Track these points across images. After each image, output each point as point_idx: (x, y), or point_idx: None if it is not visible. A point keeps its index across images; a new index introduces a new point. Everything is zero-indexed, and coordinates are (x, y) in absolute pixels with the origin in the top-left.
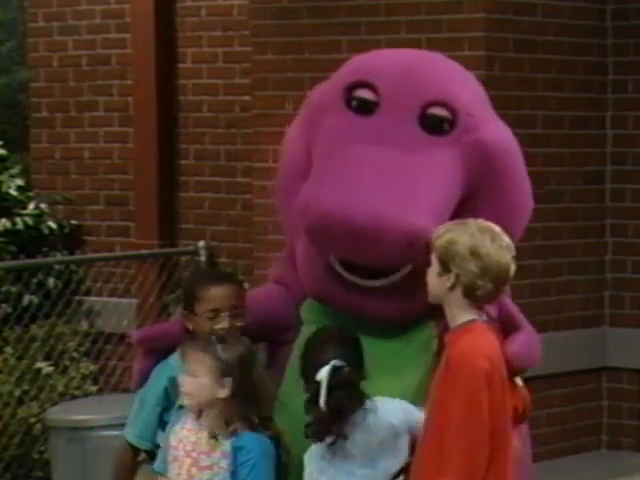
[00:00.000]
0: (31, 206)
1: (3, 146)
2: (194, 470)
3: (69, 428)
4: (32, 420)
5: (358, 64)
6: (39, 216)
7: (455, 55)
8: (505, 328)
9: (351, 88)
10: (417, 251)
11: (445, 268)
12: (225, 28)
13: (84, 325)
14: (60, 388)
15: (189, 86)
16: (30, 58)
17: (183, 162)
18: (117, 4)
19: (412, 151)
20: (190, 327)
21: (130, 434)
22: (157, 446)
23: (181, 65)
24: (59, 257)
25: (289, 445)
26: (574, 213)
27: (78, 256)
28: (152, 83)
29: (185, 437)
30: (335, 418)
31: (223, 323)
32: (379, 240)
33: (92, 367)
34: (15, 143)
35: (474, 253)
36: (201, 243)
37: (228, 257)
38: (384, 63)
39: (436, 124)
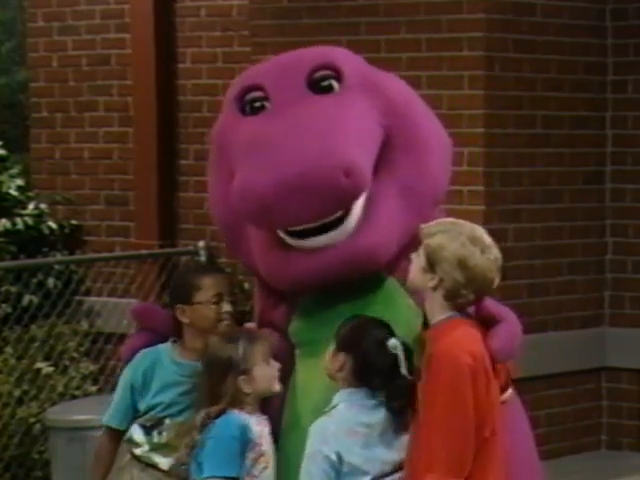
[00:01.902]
0: (31, 206)
1: (3, 146)
2: (273, 461)
3: (69, 428)
4: (32, 420)
5: (239, 78)
6: (39, 216)
7: (455, 55)
8: (484, 322)
9: (240, 97)
10: (357, 180)
11: (431, 268)
12: (225, 28)
13: (84, 325)
14: (60, 388)
15: (189, 86)
16: (30, 58)
17: (183, 162)
18: (117, 4)
19: (314, 109)
20: (186, 320)
21: (105, 415)
22: (128, 427)
23: (181, 65)
24: (59, 257)
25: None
26: (574, 213)
27: (78, 256)
28: (152, 83)
29: (261, 430)
30: (416, 385)
31: (227, 307)
32: (318, 183)
33: (92, 367)
34: (15, 143)
35: (462, 263)
36: (201, 243)
37: (228, 257)
38: (262, 66)
39: (325, 83)
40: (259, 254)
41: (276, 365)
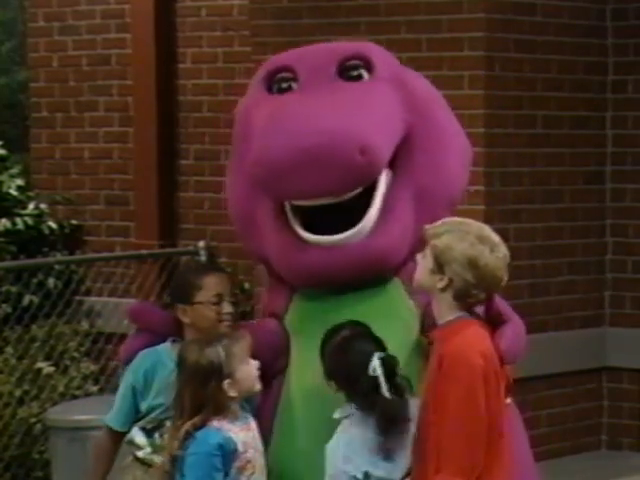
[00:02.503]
0: (31, 206)
1: (3, 146)
2: (261, 460)
3: (69, 428)
4: (32, 420)
5: (270, 60)
6: (39, 216)
7: (455, 55)
8: (491, 321)
9: (269, 77)
10: (372, 158)
11: (439, 269)
12: (225, 28)
13: (84, 325)
14: (61, 388)
15: (189, 86)
16: (30, 58)
17: (183, 162)
18: (117, 4)
19: (342, 91)
20: (187, 320)
21: (107, 415)
22: (129, 428)
23: (181, 65)
24: (59, 257)
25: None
26: (574, 213)
27: (78, 256)
28: (152, 83)
29: (244, 437)
30: (402, 402)
31: (228, 308)
32: (332, 156)
33: (93, 367)
34: (15, 143)
35: (472, 263)
36: (201, 243)
37: (228, 257)
38: (294, 50)
39: (354, 72)
40: (274, 245)
41: (254, 363)
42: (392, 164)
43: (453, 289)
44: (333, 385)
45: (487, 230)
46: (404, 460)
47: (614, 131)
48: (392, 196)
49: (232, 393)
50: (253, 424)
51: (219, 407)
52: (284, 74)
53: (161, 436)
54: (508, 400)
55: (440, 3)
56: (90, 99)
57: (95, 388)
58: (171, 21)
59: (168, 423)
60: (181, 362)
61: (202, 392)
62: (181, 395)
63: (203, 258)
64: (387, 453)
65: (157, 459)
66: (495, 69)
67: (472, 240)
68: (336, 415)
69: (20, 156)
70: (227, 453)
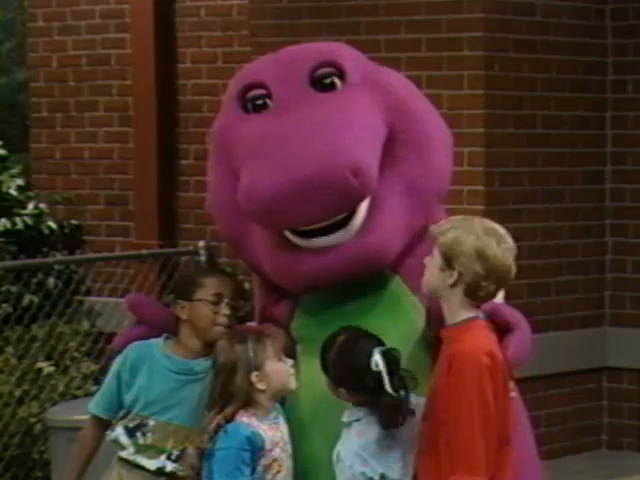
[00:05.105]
0: (31, 206)
1: (3, 146)
2: (289, 462)
3: (69, 428)
4: (32, 420)
5: (239, 76)
6: (39, 216)
7: (455, 55)
8: (498, 328)
9: (241, 95)
10: (365, 179)
11: (448, 265)
12: (225, 28)
13: (85, 325)
14: (61, 388)
15: (189, 86)
16: (30, 58)
17: (183, 162)
18: (117, 4)
19: (318, 108)
20: (185, 317)
21: (92, 402)
22: (112, 416)
23: (181, 65)
24: (59, 257)
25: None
26: (574, 213)
27: (78, 256)
28: (152, 83)
29: (272, 436)
30: (404, 399)
31: (225, 310)
32: (326, 185)
33: (93, 367)
34: (15, 143)
35: (480, 255)
36: (201, 243)
37: (228, 257)
38: (262, 62)
39: (327, 80)
40: (266, 254)
41: (289, 361)
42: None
43: (463, 283)
44: (342, 392)
45: (491, 223)
46: (413, 462)
47: (614, 131)
48: (379, 192)
49: (261, 386)
50: (283, 425)
51: (247, 399)
52: (257, 92)
53: (144, 435)
54: (513, 393)
55: (440, 3)
56: (90, 99)
57: (95, 388)
58: (171, 21)
59: (152, 422)
60: (214, 360)
61: (231, 384)
62: (211, 389)
63: (203, 258)
64: (396, 452)
65: (141, 460)
66: (495, 69)
67: (478, 233)
68: (344, 418)
69: (20, 156)
70: (255, 448)
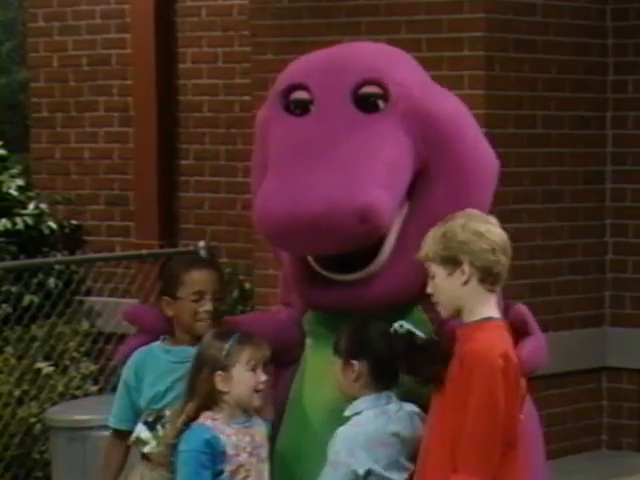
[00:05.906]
0: (31, 206)
1: (3, 146)
2: (260, 466)
3: (69, 428)
4: (32, 420)
5: (288, 71)
6: (39, 216)
7: (455, 55)
8: (515, 331)
9: (286, 94)
10: (373, 226)
11: (454, 263)
12: (225, 28)
13: (85, 325)
14: (60, 388)
15: (189, 86)
16: (30, 58)
17: (183, 162)
18: (117, 4)
19: (352, 131)
20: (170, 314)
21: (110, 416)
22: (130, 426)
23: (181, 65)
24: (59, 257)
25: (293, 461)
26: (574, 213)
27: (78, 256)
28: (152, 83)
29: (237, 441)
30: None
31: (207, 306)
32: (331, 226)
33: (92, 367)
34: (15, 143)
35: (477, 233)
36: (201, 243)
37: (228, 257)
38: (311, 61)
39: (370, 102)
40: (292, 275)
41: (262, 377)
42: (409, 194)
43: (476, 271)
44: (356, 365)
45: (466, 211)
46: (410, 465)
47: (614, 131)
48: (408, 227)
49: (222, 387)
50: (257, 430)
51: (208, 399)
52: (300, 94)
53: (163, 426)
54: (521, 416)
55: (440, 3)
56: (90, 99)
57: (95, 388)
58: (171, 21)
59: (167, 412)
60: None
61: (197, 379)
62: (185, 382)
63: None
64: (391, 451)
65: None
66: (495, 69)
67: (463, 222)
68: (347, 412)
69: (20, 156)
70: (215, 452)
